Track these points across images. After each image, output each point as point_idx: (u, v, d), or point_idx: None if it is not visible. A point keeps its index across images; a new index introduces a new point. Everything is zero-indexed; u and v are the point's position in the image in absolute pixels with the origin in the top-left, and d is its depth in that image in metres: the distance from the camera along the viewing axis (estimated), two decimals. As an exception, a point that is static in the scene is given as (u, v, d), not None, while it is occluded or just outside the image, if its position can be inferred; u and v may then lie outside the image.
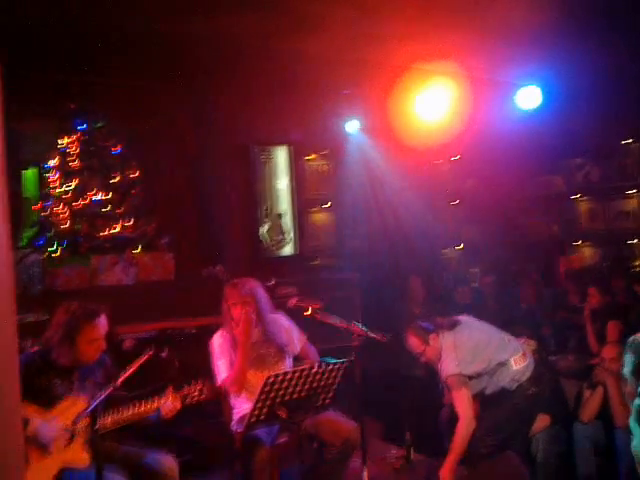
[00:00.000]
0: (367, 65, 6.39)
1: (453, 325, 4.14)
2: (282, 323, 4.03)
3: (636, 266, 7.77)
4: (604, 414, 4.25)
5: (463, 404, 3.90)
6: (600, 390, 4.29)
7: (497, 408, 4.06)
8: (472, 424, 3.88)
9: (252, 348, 3.83)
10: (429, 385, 4.63)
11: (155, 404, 3.26)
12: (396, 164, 7.82)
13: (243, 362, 3.71)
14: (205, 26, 5.29)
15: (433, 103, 7.10)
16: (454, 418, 4.13)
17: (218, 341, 3.85)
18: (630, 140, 8.07)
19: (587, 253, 8.53)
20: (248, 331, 3.74)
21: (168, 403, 3.27)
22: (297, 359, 3.95)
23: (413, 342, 4.18)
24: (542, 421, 4.43)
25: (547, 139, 7.90)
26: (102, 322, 3.35)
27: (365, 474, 3.43)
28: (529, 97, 7.57)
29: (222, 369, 3.75)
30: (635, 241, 8.07)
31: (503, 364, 4.03)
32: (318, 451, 3.69)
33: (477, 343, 4.07)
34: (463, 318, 4.27)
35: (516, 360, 4.05)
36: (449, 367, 3.97)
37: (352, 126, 7.67)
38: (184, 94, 6.62)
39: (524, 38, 5.97)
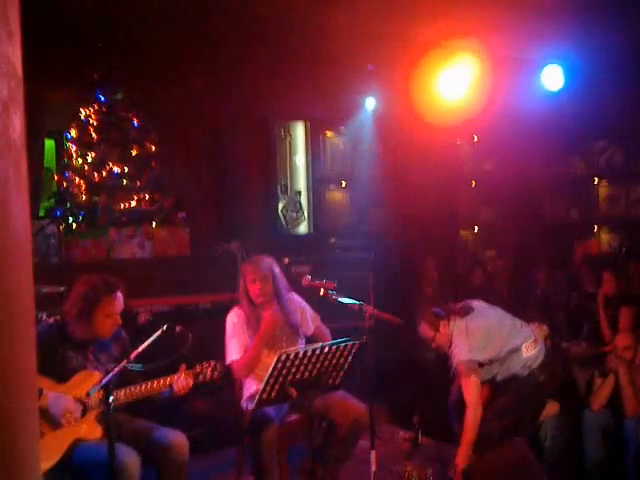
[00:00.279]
0: (390, 41, 6.31)
1: (466, 311, 4.13)
2: (297, 303, 4.07)
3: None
4: (614, 402, 4.25)
5: (471, 391, 3.90)
6: (611, 378, 4.28)
7: (508, 393, 4.07)
8: (479, 411, 3.88)
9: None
10: (439, 368, 4.64)
11: (168, 381, 3.30)
12: (416, 143, 7.76)
13: (257, 353, 3.76)
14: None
15: (456, 81, 7.02)
16: (463, 402, 4.16)
17: (232, 320, 3.88)
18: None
19: (605, 238, 8.44)
20: (271, 330, 3.78)
21: (181, 380, 3.32)
22: (310, 340, 3.98)
23: (424, 329, 4.18)
24: (551, 407, 4.44)
25: (570, 120, 7.79)
26: (120, 297, 3.38)
27: (373, 456, 3.46)
28: (554, 76, 7.46)
29: (233, 350, 3.80)
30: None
31: (515, 351, 4.02)
32: (327, 431, 3.73)
33: (489, 330, 4.05)
34: (476, 304, 4.25)
35: (527, 347, 4.03)
36: (460, 353, 3.95)
37: (372, 103, 7.60)
38: (206, 66, 6.58)
39: (549, 17, 5.87)
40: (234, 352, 3.79)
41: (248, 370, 3.78)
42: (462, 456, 3.85)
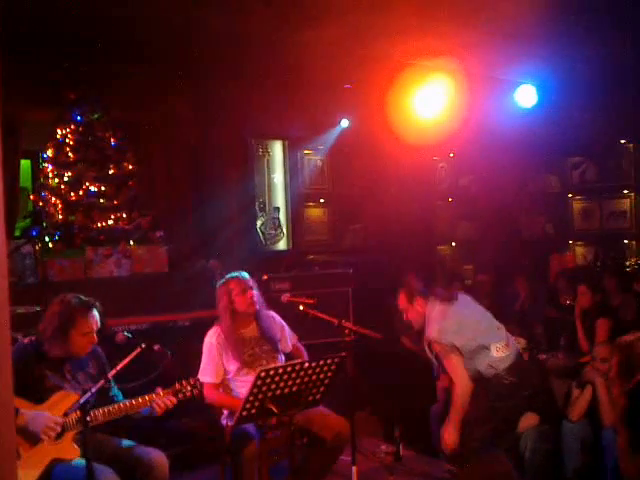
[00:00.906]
0: (366, 60, 6.39)
1: (449, 298, 4.14)
2: (276, 320, 4.08)
3: (629, 265, 7.82)
4: (592, 413, 4.29)
5: (455, 370, 3.91)
6: (589, 389, 4.32)
7: (478, 400, 4.06)
8: (468, 387, 3.88)
9: (247, 345, 3.87)
10: (421, 379, 4.66)
11: (147, 399, 3.28)
12: (393, 160, 7.83)
13: (229, 406, 3.75)
14: (209, 16, 5.28)
15: (431, 100, 7.12)
16: (445, 413, 4.17)
17: (211, 339, 3.88)
18: (624, 141, 8.11)
19: (580, 252, 8.57)
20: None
21: (160, 398, 3.29)
22: (288, 358, 3.98)
23: (400, 298, 4.20)
24: (531, 419, 4.47)
25: (543, 137, 7.93)
26: (95, 315, 3.36)
27: (354, 470, 3.44)
28: (527, 95, 7.60)
29: (205, 371, 3.82)
30: (628, 241, 8.12)
31: (484, 347, 4.00)
32: (308, 446, 3.72)
33: (465, 318, 4.06)
34: (461, 295, 4.28)
35: (498, 348, 4.02)
36: (431, 332, 3.99)
37: (349, 121, 7.66)
38: (184, 85, 6.60)
39: (523, 36, 5.98)
40: (206, 373, 3.81)
41: (216, 405, 3.84)
42: (449, 435, 3.87)
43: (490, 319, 4.19)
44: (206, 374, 3.79)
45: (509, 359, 4.02)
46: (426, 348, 4.08)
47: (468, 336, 4.00)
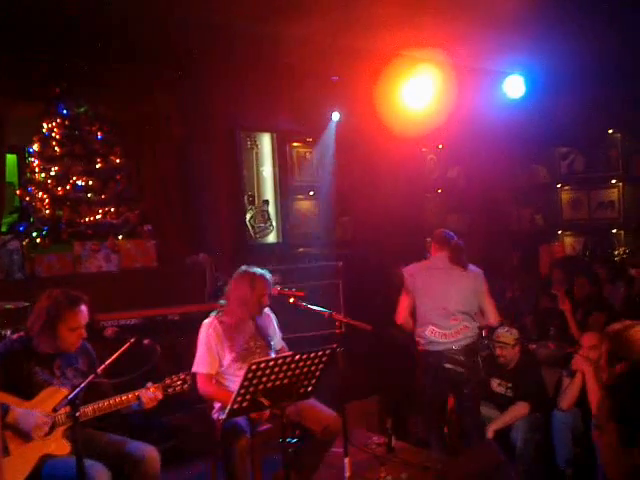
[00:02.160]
0: (355, 52, 6.37)
1: (458, 262, 4.40)
2: (270, 316, 4.08)
3: (617, 255, 7.87)
4: (583, 402, 4.30)
5: (400, 302, 4.46)
6: (579, 377, 4.33)
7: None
8: (398, 319, 4.46)
9: (242, 338, 3.86)
10: (412, 371, 4.68)
11: (136, 394, 3.26)
12: (382, 152, 7.81)
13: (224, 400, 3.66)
14: (195, 9, 5.24)
15: (419, 91, 7.11)
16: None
17: (208, 330, 3.84)
18: (611, 131, 8.15)
19: (569, 242, 8.61)
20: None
21: (149, 392, 3.28)
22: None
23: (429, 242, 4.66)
24: (522, 409, 4.49)
25: (532, 128, 7.95)
26: (84, 309, 3.34)
27: (347, 461, 3.44)
28: (516, 85, 7.61)
29: (201, 361, 3.79)
30: (617, 230, 8.17)
31: (423, 322, 4.34)
32: (300, 439, 3.71)
33: (433, 289, 4.34)
34: (474, 269, 4.52)
35: (433, 331, 4.33)
36: (409, 269, 4.47)
37: (338, 113, 7.64)
38: (171, 78, 6.55)
39: (511, 27, 5.98)
40: (201, 363, 3.78)
41: (209, 397, 3.82)
42: None
43: (449, 306, 4.35)
44: (201, 364, 3.77)
45: (442, 346, 4.31)
46: None
47: (424, 300, 4.35)
